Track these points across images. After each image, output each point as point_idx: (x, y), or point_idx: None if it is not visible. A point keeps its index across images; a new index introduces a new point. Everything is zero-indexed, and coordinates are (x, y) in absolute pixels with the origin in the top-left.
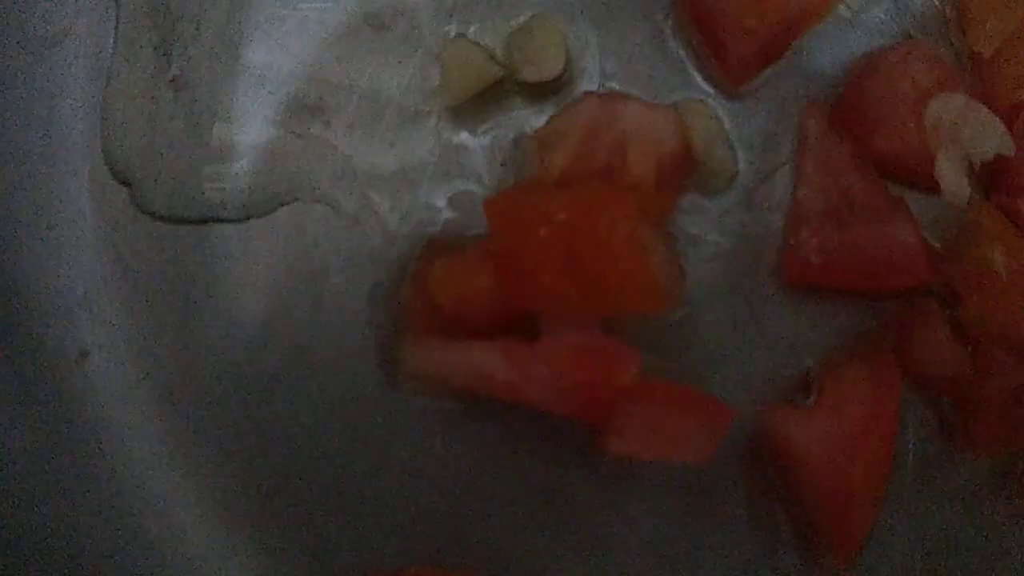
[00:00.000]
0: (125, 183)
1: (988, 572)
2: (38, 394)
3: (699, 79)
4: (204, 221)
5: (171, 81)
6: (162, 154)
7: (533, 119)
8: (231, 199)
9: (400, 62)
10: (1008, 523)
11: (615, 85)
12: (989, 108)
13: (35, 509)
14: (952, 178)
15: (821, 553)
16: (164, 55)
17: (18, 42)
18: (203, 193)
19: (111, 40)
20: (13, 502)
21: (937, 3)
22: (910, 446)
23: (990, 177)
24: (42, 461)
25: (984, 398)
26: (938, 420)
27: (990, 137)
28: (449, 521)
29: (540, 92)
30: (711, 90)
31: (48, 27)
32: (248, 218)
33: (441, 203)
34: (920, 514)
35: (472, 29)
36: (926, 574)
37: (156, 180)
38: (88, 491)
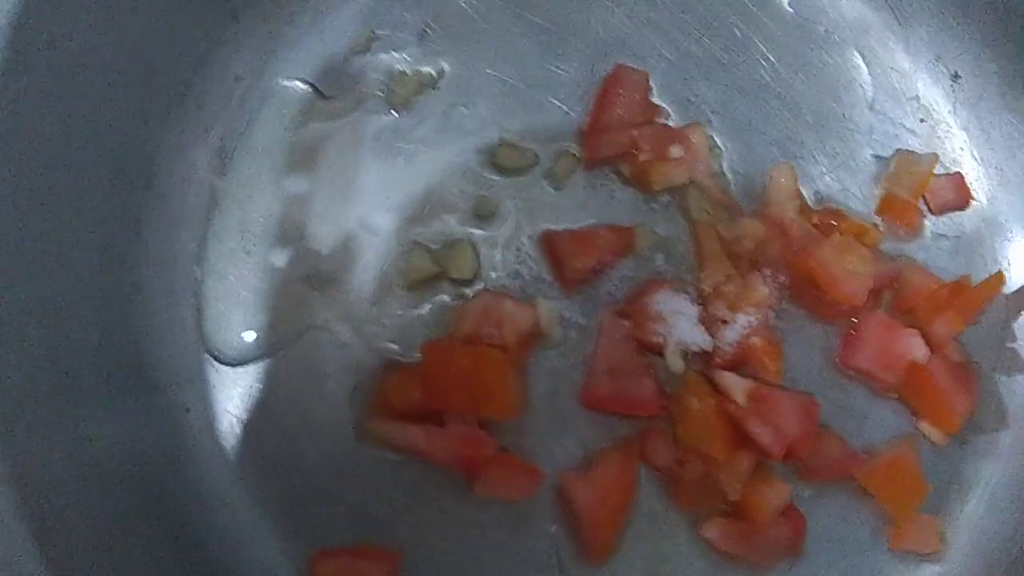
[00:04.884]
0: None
1: None
2: (154, 437)
3: None
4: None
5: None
6: None
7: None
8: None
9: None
10: None
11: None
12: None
13: None
14: (673, 359)
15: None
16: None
17: None
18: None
19: None
20: None
21: None
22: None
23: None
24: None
25: (683, 478)
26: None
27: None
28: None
29: (463, 285)
30: None
31: None
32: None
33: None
34: None
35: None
36: None
37: None
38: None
